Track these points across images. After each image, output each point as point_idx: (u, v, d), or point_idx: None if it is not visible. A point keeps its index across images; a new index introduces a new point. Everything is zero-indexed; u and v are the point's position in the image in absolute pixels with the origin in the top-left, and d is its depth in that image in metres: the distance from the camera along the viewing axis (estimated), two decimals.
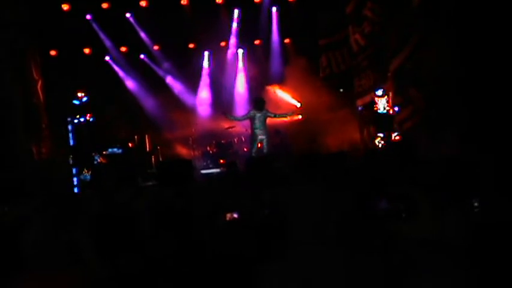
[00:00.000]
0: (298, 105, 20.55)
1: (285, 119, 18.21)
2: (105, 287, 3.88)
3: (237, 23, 21.04)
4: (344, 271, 3.39)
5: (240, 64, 21.77)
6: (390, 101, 16.23)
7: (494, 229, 3.72)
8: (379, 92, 16.31)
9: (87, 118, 18.54)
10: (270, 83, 20.88)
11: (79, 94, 18.72)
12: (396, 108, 16.18)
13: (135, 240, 4.25)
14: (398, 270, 3.44)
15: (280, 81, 20.85)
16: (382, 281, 3.41)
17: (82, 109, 18.68)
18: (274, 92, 20.77)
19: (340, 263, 3.42)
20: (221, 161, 18.29)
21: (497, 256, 3.52)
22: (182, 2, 19.77)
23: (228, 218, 5.05)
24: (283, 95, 20.71)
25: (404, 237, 3.73)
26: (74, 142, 18.17)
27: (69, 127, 18.29)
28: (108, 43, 20.07)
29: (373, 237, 3.74)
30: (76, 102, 18.72)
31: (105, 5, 19.11)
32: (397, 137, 15.84)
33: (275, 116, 16.68)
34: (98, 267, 3.91)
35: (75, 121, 18.43)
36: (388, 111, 16.20)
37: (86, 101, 18.85)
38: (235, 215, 5.04)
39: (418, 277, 3.42)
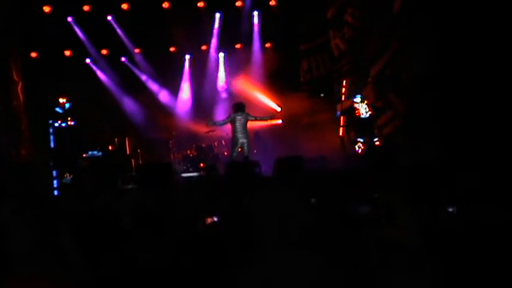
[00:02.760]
0: (279, 109, 20.60)
1: (265, 122, 18.22)
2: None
3: (218, 27, 21.06)
4: (318, 275, 3.41)
5: (221, 68, 21.78)
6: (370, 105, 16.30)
7: (468, 233, 3.77)
8: (358, 99, 16.39)
9: (68, 122, 18.46)
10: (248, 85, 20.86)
11: (61, 100, 18.60)
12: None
13: (115, 243, 4.25)
14: (373, 273, 3.48)
15: (261, 85, 20.85)
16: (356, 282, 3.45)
17: (64, 114, 18.60)
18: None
19: (314, 267, 3.45)
20: (201, 164, 18.29)
21: (471, 259, 3.57)
22: (164, 5, 19.74)
23: (208, 222, 5.06)
24: (264, 99, 20.73)
25: (382, 241, 3.76)
26: (54, 145, 18.09)
27: (50, 130, 18.19)
28: (89, 45, 20.01)
29: (351, 241, 3.78)
30: (59, 110, 18.62)
31: (86, 8, 19.07)
32: (377, 142, 15.91)
33: (255, 119, 16.61)
34: (81, 270, 3.91)
35: (56, 124, 18.34)
36: (370, 114, 16.26)
37: (68, 107, 18.76)
38: (215, 219, 5.05)
39: (392, 279, 3.45)
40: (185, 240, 4.36)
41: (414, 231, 3.94)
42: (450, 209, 4.49)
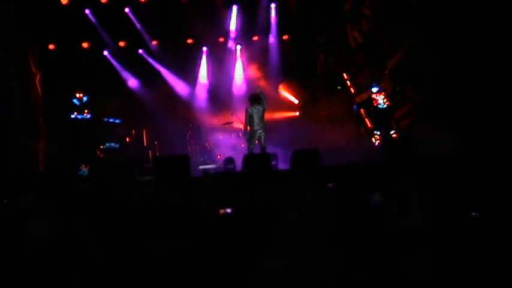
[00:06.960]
0: (296, 102, 20.59)
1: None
2: (105, 279, 3.91)
3: (236, 19, 21.03)
4: (336, 261, 3.43)
5: (238, 60, 21.74)
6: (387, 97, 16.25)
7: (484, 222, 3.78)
8: (375, 89, 16.34)
9: (85, 114, 18.52)
10: (268, 80, 20.81)
11: (78, 95, 18.64)
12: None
13: (133, 234, 4.28)
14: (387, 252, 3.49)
15: (278, 78, 20.83)
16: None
17: (81, 106, 18.67)
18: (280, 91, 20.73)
19: (332, 254, 3.47)
20: (218, 156, 18.30)
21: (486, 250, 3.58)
22: None
23: (221, 213, 5.07)
24: (281, 92, 20.71)
25: (393, 227, 3.78)
26: (72, 136, 18.14)
27: (68, 121, 18.26)
28: (106, 38, 20.05)
29: (366, 227, 3.79)
30: (76, 102, 18.66)
31: (104, 0, 19.13)
32: (394, 135, 15.87)
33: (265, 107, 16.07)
34: (98, 259, 3.94)
35: (73, 116, 18.41)
36: (388, 106, 16.21)
37: (86, 100, 18.80)
38: (228, 210, 5.06)
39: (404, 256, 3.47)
40: (200, 231, 4.38)
41: (426, 219, 3.94)
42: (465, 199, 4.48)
